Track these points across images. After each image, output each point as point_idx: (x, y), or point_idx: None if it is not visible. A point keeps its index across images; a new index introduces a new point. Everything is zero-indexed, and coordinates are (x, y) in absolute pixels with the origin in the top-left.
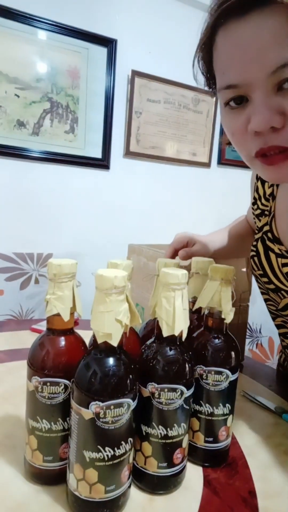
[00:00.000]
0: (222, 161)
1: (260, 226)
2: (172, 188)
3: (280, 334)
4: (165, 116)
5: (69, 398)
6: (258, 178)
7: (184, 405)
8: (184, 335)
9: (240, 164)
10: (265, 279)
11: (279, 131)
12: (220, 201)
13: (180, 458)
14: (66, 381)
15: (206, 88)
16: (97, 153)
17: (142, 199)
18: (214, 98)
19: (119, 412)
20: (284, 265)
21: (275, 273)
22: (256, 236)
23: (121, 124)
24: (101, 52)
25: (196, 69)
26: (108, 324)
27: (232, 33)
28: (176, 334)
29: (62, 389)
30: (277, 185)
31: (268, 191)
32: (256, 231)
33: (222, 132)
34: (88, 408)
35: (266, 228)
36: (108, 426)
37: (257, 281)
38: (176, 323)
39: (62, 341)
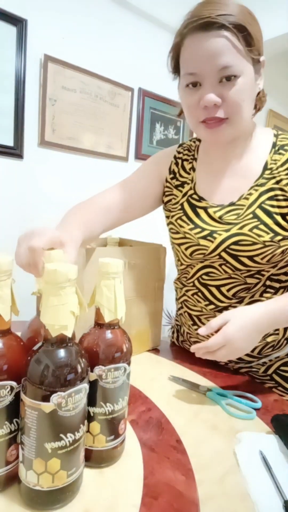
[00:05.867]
0: (139, 156)
1: (184, 193)
2: (90, 181)
3: (183, 302)
4: (82, 106)
5: (16, 399)
6: (177, 159)
7: (126, 380)
8: (124, 319)
9: None
10: (197, 230)
11: (218, 107)
12: None
13: (123, 428)
14: (13, 383)
15: (171, 72)
16: (8, 141)
17: (58, 191)
18: (130, 93)
19: (79, 398)
20: (215, 212)
21: (205, 221)
22: (180, 201)
23: (35, 111)
24: (10, 30)
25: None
26: (64, 316)
27: (197, 40)
28: (119, 318)
29: (8, 392)
30: (195, 160)
31: (188, 166)
32: (168, 199)
33: (152, 121)
34: (49, 401)
35: (190, 192)
36: (69, 414)
37: (180, 244)
38: (118, 308)
39: (3, 343)
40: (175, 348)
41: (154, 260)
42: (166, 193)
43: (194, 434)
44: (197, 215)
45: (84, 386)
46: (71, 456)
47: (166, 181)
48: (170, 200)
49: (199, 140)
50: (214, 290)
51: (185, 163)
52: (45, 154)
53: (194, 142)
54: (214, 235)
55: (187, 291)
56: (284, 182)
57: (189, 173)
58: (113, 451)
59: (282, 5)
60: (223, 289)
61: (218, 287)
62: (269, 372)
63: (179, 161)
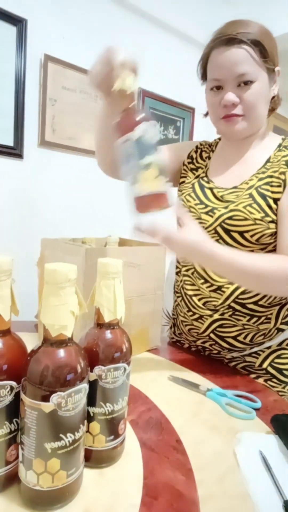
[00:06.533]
0: None
1: (196, 175)
2: (90, 181)
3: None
4: (82, 106)
5: (16, 399)
6: (197, 148)
7: (126, 380)
8: (123, 319)
9: None
10: (201, 206)
11: (235, 106)
12: None
13: (123, 428)
14: (13, 383)
15: (200, 78)
16: (8, 141)
17: (59, 191)
18: None
19: (78, 398)
20: (218, 192)
21: (209, 199)
22: (192, 181)
23: (35, 111)
24: (10, 30)
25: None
26: (64, 316)
27: (222, 52)
28: (118, 318)
29: (8, 392)
30: (212, 151)
31: (205, 155)
32: (186, 179)
33: None
34: (49, 401)
35: (202, 175)
36: (69, 414)
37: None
38: (118, 308)
39: (3, 343)
40: (175, 348)
41: (154, 260)
42: (182, 175)
43: (194, 434)
44: (204, 193)
45: (84, 386)
46: (71, 456)
47: (184, 164)
48: (183, 181)
49: (220, 139)
50: (209, 270)
51: (203, 153)
52: (45, 154)
53: (215, 140)
54: (214, 211)
55: (187, 270)
56: (280, 170)
57: (204, 161)
58: (113, 451)
59: (281, 6)
60: None
61: None
62: (264, 365)
63: (199, 150)
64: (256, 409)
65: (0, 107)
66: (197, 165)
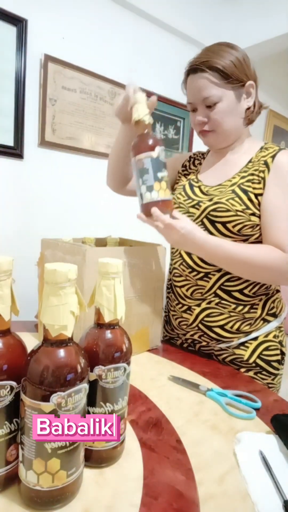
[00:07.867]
0: None
1: (187, 178)
2: (91, 181)
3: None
4: (82, 106)
5: (16, 399)
6: (191, 158)
7: (126, 380)
8: (123, 319)
9: None
10: (189, 201)
11: (206, 123)
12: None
13: (123, 428)
14: (13, 383)
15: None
16: (8, 141)
17: (58, 191)
18: None
19: (78, 397)
20: (205, 187)
21: (196, 194)
22: (183, 183)
23: (35, 111)
24: (10, 30)
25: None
26: (64, 316)
27: (190, 80)
28: (118, 318)
29: (8, 392)
30: (204, 158)
31: (197, 162)
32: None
33: None
34: (48, 401)
35: (193, 177)
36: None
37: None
38: (118, 308)
39: (3, 343)
40: (175, 348)
41: (154, 260)
42: (176, 181)
43: (194, 434)
44: (193, 191)
45: (84, 386)
46: (71, 456)
47: (178, 172)
48: (177, 183)
49: None
50: (195, 258)
51: (195, 161)
52: (45, 154)
53: (208, 150)
54: (200, 204)
55: (175, 262)
56: (260, 169)
57: (196, 167)
58: (113, 451)
59: (282, 5)
60: None
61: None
62: (253, 358)
63: (192, 159)
64: (256, 409)
65: (0, 107)
66: (190, 171)
